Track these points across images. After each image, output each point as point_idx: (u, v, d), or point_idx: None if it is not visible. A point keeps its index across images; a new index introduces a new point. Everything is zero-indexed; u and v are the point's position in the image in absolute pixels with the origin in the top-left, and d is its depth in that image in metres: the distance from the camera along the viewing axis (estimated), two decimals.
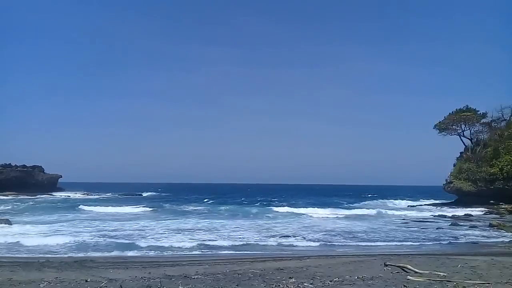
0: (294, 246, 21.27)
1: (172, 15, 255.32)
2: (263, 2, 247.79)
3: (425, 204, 60.19)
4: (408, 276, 10.67)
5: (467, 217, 39.51)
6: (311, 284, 10.08)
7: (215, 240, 22.27)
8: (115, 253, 17.97)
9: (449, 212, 44.58)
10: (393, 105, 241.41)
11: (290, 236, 24.43)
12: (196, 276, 11.42)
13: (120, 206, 48.70)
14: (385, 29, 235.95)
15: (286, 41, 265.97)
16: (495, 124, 56.37)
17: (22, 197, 66.70)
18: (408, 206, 58.90)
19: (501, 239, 24.19)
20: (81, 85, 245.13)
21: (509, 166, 48.82)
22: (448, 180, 55.39)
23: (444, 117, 58.69)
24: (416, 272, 11.35)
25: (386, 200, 68.37)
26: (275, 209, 43.00)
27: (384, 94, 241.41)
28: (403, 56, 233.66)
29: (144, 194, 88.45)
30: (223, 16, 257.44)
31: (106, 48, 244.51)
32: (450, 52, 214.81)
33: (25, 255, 17.04)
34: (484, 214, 41.85)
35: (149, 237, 23.47)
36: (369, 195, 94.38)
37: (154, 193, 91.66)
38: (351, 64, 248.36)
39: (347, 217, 37.23)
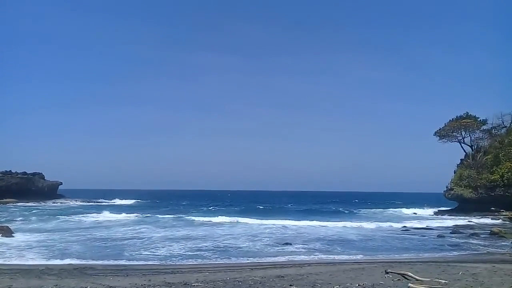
0: (294, 254, 21.19)
1: (172, 23, 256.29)
2: (264, 10, 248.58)
3: (425, 211, 60.02)
4: (409, 284, 10.64)
5: (468, 224, 39.38)
6: None
7: (213, 249, 22.27)
8: (114, 260, 17.93)
9: (450, 219, 44.42)
10: (392, 112, 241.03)
11: (290, 244, 24.33)
12: (196, 284, 11.38)
13: (118, 214, 48.30)
14: (385, 36, 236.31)
15: (287, 48, 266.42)
16: (495, 131, 56.38)
17: (22, 204, 66.38)
18: (408, 213, 58.66)
19: (502, 247, 24.11)
20: (81, 92, 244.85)
21: (509, 173, 48.75)
22: (449, 187, 55.30)
23: (445, 124, 58.79)
24: (417, 280, 11.31)
25: (387, 209, 67.82)
26: (274, 221, 42.07)
27: (384, 101, 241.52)
28: (404, 63, 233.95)
29: (136, 202, 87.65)
30: (224, 24, 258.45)
31: (105, 56, 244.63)
32: (450, 60, 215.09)
33: (25, 263, 17.00)
34: (485, 221, 41.70)
35: (148, 245, 23.49)
36: (369, 203, 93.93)
37: (149, 201, 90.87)
38: (351, 71, 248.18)
39: (347, 227, 36.85)
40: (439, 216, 50.01)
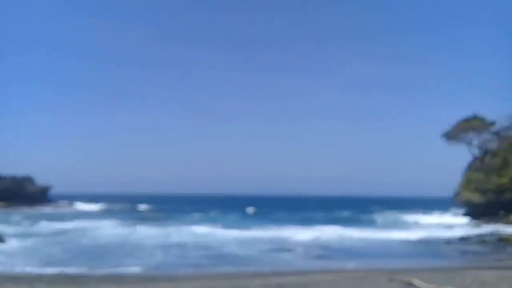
0: (295, 261, 20.81)
1: (167, 20, 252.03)
2: (259, 4, 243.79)
3: (432, 216, 59.23)
4: None
5: (476, 229, 38.66)
6: None
7: (209, 256, 21.79)
8: (107, 268, 17.48)
9: (457, 224, 43.81)
10: (395, 113, 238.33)
11: (291, 251, 23.84)
12: None
13: (107, 220, 47.32)
14: (391, 35, 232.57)
15: (283, 43, 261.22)
16: (504, 133, 55.63)
17: (11, 209, 65.57)
18: (414, 219, 57.73)
19: (510, 253, 23.69)
20: (74, 93, 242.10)
21: None
22: (457, 191, 54.64)
23: (452, 126, 58.15)
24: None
25: (389, 214, 66.62)
26: (274, 227, 40.97)
27: (387, 101, 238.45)
28: (409, 61, 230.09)
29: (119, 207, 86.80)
30: (218, 19, 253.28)
31: (99, 55, 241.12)
32: (457, 60, 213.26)
33: (16, 270, 16.67)
34: (493, 226, 40.93)
35: (142, 252, 23.08)
36: (372, 207, 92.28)
37: (150, 205, 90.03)
38: (351, 68, 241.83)
39: (351, 234, 35.93)
40: (446, 221, 49.26)
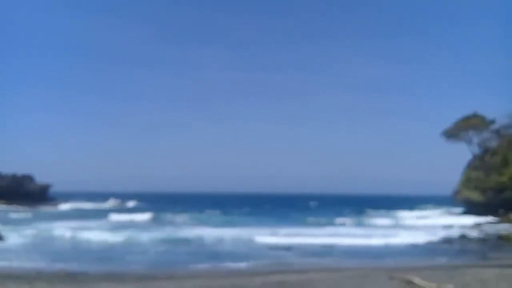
0: (295, 259, 20.74)
1: (166, 19, 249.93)
2: (261, 3, 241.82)
3: (431, 215, 59.13)
4: None
5: (476, 228, 38.66)
6: None
7: (208, 254, 21.69)
8: (107, 266, 17.48)
9: (457, 223, 43.73)
10: (394, 112, 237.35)
11: (291, 250, 23.73)
12: None
13: (105, 219, 46.93)
14: (388, 31, 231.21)
15: (284, 43, 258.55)
16: (503, 132, 55.54)
17: (11, 207, 65.20)
18: (414, 217, 57.60)
19: (510, 251, 23.67)
20: (73, 91, 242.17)
21: None
22: (457, 190, 54.58)
23: (452, 124, 58.06)
24: (424, 286, 10.99)
25: (389, 212, 66.34)
26: (272, 225, 40.38)
27: (386, 100, 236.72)
28: (409, 60, 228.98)
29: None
30: (219, 17, 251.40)
31: (98, 53, 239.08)
32: (456, 59, 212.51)
33: (15, 268, 16.64)
34: (493, 225, 40.95)
35: (139, 250, 23.07)
36: (373, 205, 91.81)
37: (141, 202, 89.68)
38: (352, 68, 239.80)
39: (350, 233, 35.74)
40: (446, 220, 49.18)
